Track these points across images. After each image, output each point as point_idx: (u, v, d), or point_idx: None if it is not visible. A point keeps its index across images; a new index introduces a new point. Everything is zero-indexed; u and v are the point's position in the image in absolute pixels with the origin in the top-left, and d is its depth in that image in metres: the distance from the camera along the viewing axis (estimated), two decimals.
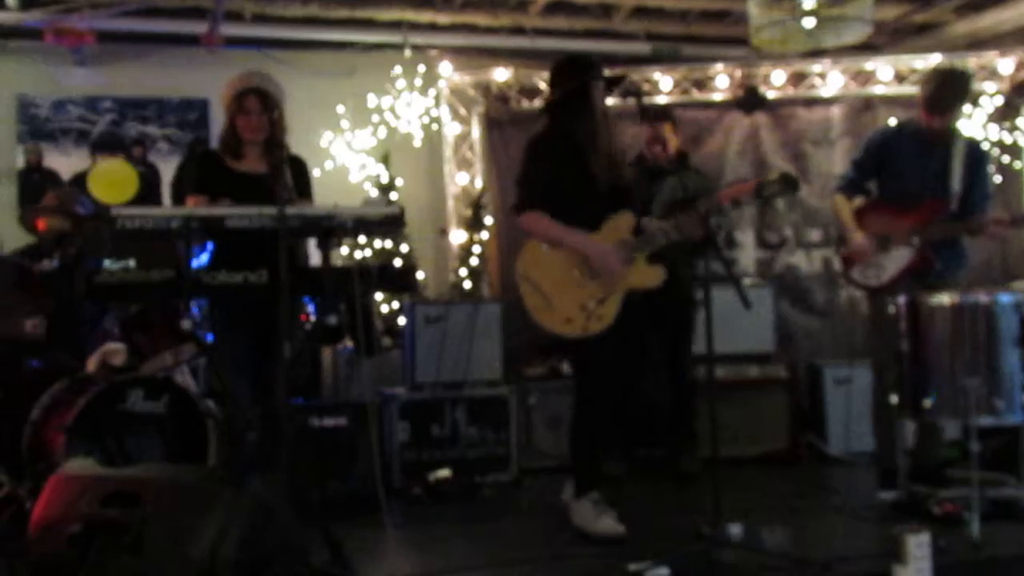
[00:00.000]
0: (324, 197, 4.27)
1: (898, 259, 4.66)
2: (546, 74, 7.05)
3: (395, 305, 6.70)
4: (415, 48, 7.42)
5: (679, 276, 4.16)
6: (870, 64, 7.15)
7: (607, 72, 4.27)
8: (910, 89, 7.09)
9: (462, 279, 7.04)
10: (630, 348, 4.16)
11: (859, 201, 4.84)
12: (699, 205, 4.10)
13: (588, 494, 4.13)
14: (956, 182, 4.60)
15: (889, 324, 4.29)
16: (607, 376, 4.14)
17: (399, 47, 7.38)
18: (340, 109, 7.45)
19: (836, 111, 7.19)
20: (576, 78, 4.17)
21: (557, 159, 4.14)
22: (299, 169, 4.18)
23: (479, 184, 7.24)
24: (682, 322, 5.34)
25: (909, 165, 4.69)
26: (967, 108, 6.99)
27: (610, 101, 4.26)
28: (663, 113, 5.48)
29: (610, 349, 4.06)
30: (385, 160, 7.36)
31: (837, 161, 6.79)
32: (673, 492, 5.16)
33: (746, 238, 6.97)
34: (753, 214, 6.90)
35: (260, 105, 4.05)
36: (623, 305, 4.03)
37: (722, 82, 7.21)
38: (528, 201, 4.15)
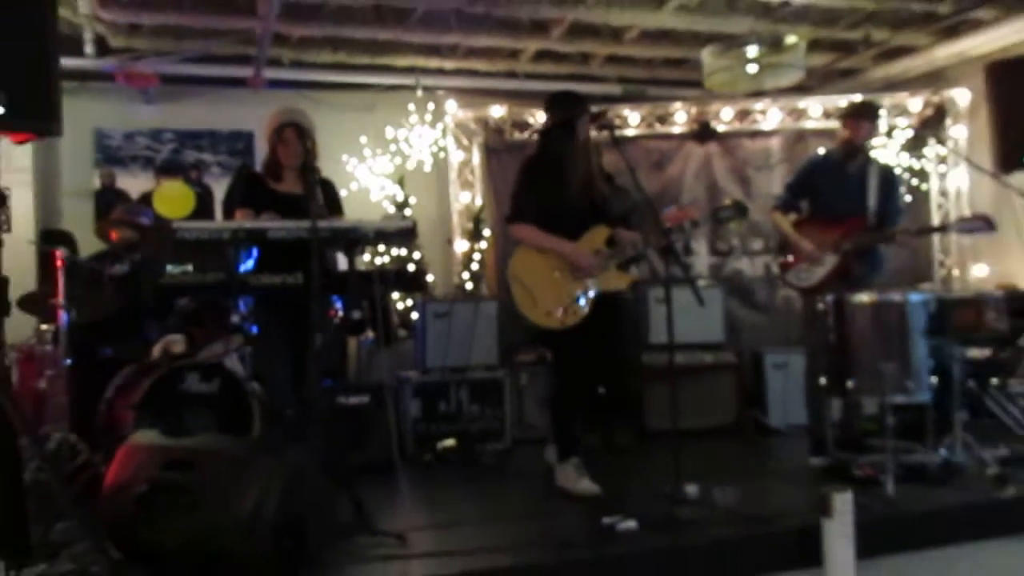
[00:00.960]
0: (349, 213, 4.26)
1: (825, 264, 4.65)
2: (535, 111, 7.12)
3: (409, 303, 6.69)
4: (426, 89, 7.41)
5: None
6: (803, 103, 7.15)
7: (592, 109, 4.26)
8: (836, 124, 7.09)
9: (465, 281, 7.03)
10: (598, 339, 4.14)
11: (793, 217, 4.84)
12: (634, 224, 4.10)
13: (569, 459, 4.12)
14: (872, 200, 4.61)
15: (819, 319, 4.29)
16: (580, 361, 4.13)
17: (412, 88, 7.36)
18: (363, 139, 7.43)
19: (775, 142, 7.19)
20: (566, 112, 4.16)
21: (544, 178, 4.13)
22: (329, 190, 4.16)
23: (479, 202, 7.23)
24: (615, 314, 5.24)
25: (832, 187, 4.70)
26: (882, 140, 7.03)
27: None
28: None
29: (582, 339, 4.05)
30: (400, 182, 7.34)
31: (776, 183, 6.78)
32: (639, 459, 5.15)
33: (700, 247, 6.98)
34: (707, 227, 6.89)
35: (296, 135, 4.03)
36: (594, 304, 4.03)
37: (680, 117, 7.21)
38: (518, 213, 4.15)
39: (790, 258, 4.78)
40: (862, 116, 4.70)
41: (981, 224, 4.71)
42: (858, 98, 6.97)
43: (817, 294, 4.49)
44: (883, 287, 4.66)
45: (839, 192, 4.68)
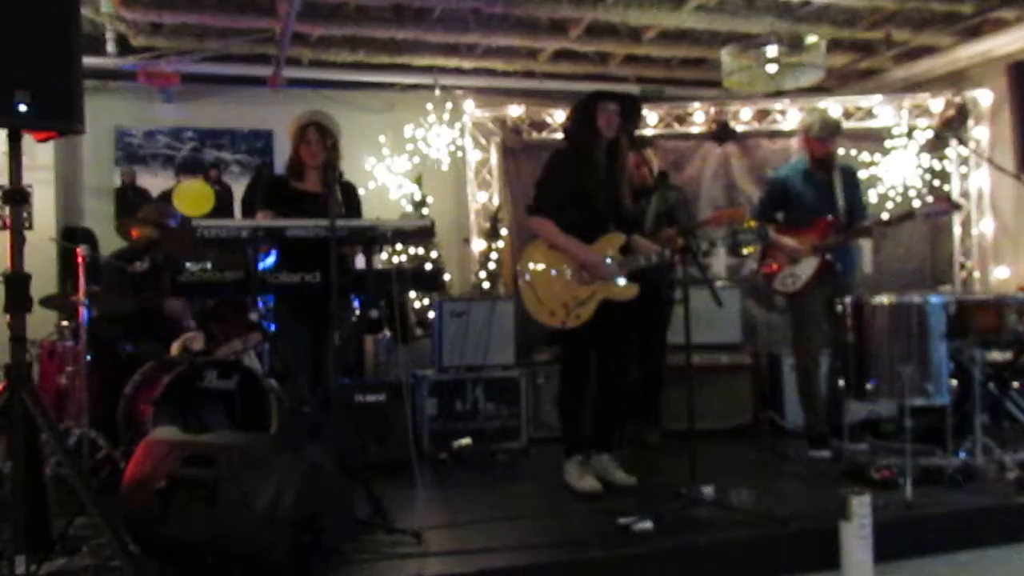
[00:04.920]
0: (368, 212, 4.27)
1: (807, 267, 4.83)
2: (553, 111, 7.12)
3: (426, 301, 6.70)
4: (444, 88, 7.41)
5: (657, 282, 4.14)
6: (823, 103, 7.11)
7: (617, 92, 4.19)
8: (856, 124, 7.07)
9: (482, 280, 7.04)
10: (611, 342, 4.12)
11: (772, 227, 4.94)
12: (680, 219, 4.07)
13: (574, 456, 4.13)
14: (840, 200, 4.87)
15: (837, 320, 4.28)
16: (583, 363, 4.12)
17: (431, 87, 7.37)
18: (381, 139, 7.45)
19: (794, 142, 7.13)
20: (586, 106, 4.14)
21: (564, 174, 4.11)
22: (350, 192, 4.16)
23: (496, 202, 7.24)
24: (656, 319, 5.24)
25: (803, 195, 4.93)
26: (903, 141, 7.01)
27: None
28: (645, 140, 5.44)
29: (587, 342, 4.05)
30: (418, 181, 7.36)
31: None
32: (651, 460, 5.13)
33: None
34: (724, 238, 6.81)
35: (318, 135, 4.05)
36: (600, 309, 4.01)
37: (699, 117, 7.19)
38: (538, 206, 4.13)
39: (773, 266, 4.95)
40: (835, 133, 4.95)
41: (945, 206, 5.05)
42: (879, 99, 6.96)
43: (805, 296, 4.77)
44: (903, 289, 4.67)
45: (811, 198, 4.91)
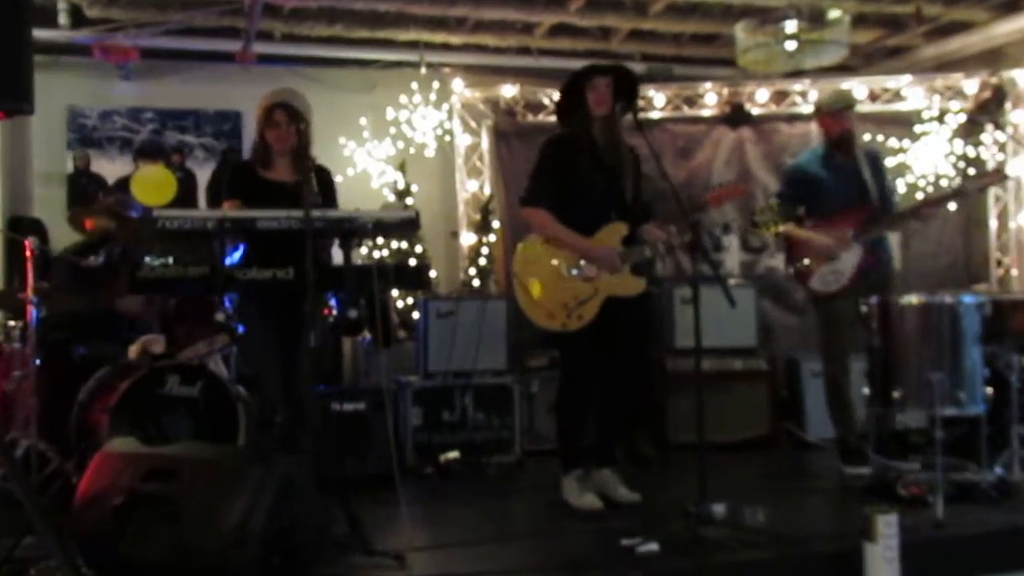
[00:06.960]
0: (346, 202, 4.26)
1: (850, 261, 4.66)
2: (550, 91, 7.12)
3: (410, 300, 6.70)
4: (430, 66, 7.43)
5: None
6: (846, 84, 7.12)
7: (608, 65, 4.18)
8: (883, 107, 7.09)
9: (471, 277, 7.05)
10: (615, 345, 4.12)
11: (791, 226, 4.77)
12: (656, 208, 4.09)
13: (572, 471, 4.14)
14: (872, 186, 4.73)
15: (863, 322, 4.29)
16: (585, 368, 4.13)
17: (415, 65, 7.38)
18: (362, 121, 7.46)
19: (815, 126, 7.15)
20: (573, 83, 4.15)
21: (560, 160, 4.11)
22: (324, 178, 4.16)
23: (487, 191, 7.25)
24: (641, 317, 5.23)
25: (825, 182, 4.76)
26: (934, 126, 7.03)
27: None
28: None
29: (589, 345, 4.05)
30: (402, 168, 7.36)
31: None
32: (655, 475, 5.14)
33: (731, 242, 6.96)
34: (738, 221, 6.86)
35: (287, 118, 4.02)
36: (602, 308, 4.02)
37: (710, 99, 7.20)
38: (533, 196, 4.14)
39: (806, 262, 4.75)
40: (847, 107, 4.83)
41: (994, 177, 5.18)
42: (908, 79, 6.98)
43: (850, 295, 4.56)
44: (934, 288, 4.68)
45: (835, 185, 4.74)
